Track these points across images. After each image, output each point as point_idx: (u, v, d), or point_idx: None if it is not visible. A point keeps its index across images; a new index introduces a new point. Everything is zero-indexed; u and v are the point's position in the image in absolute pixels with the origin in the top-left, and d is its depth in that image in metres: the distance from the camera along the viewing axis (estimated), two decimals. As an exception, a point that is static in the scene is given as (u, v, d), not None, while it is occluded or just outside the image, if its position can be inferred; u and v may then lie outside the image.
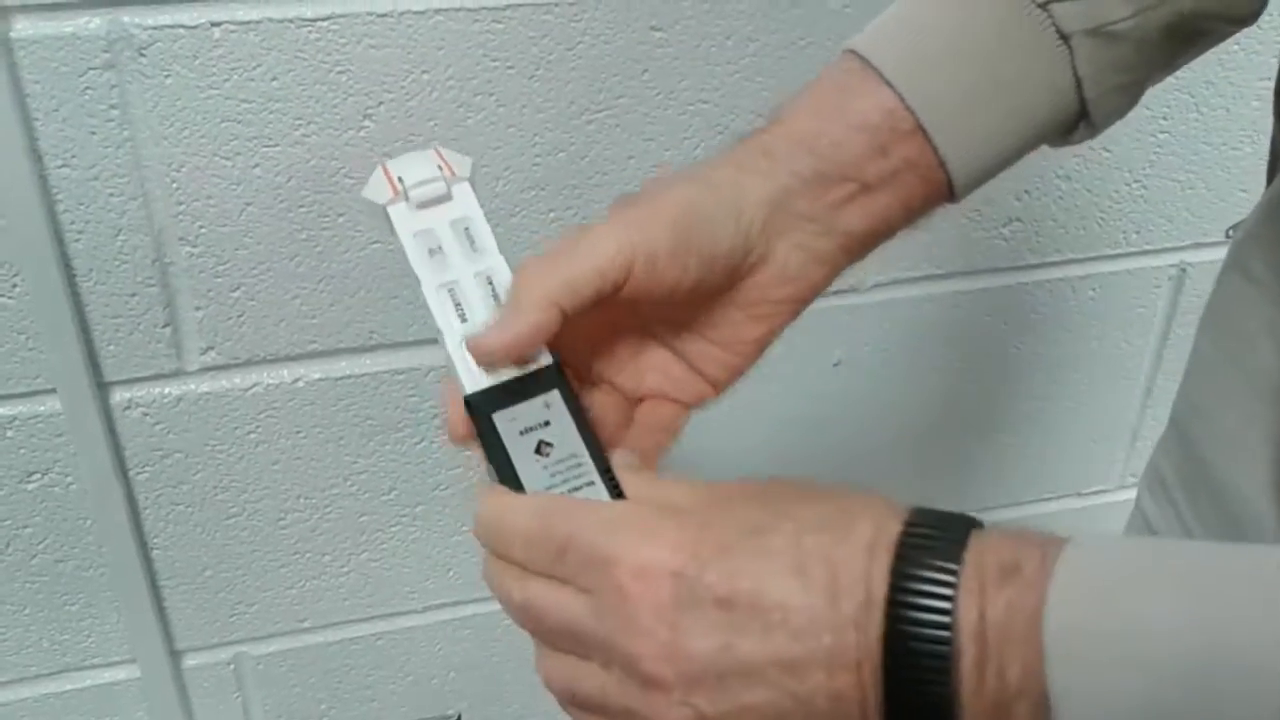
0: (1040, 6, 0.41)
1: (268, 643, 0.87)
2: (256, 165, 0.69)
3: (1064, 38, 0.42)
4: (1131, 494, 0.98)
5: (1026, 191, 0.84)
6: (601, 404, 0.45)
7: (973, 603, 0.32)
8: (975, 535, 0.33)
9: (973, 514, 0.35)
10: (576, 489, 0.41)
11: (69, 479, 0.76)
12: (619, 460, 0.42)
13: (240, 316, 0.73)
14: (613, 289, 0.39)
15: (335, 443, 0.80)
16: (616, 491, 0.41)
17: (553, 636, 0.38)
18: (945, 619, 0.32)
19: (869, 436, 0.92)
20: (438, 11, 0.67)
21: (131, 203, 0.68)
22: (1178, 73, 0.80)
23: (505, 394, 0.42)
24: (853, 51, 0.43)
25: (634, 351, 0.45)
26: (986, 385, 0.93)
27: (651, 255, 0.39)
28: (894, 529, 0.34)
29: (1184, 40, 0.45)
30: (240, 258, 0.71)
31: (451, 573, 0.87)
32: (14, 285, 0.69)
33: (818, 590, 0.33)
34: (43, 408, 0.73)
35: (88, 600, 0.81)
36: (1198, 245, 0.89)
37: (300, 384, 0.77)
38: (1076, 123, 0.44)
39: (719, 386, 0.46)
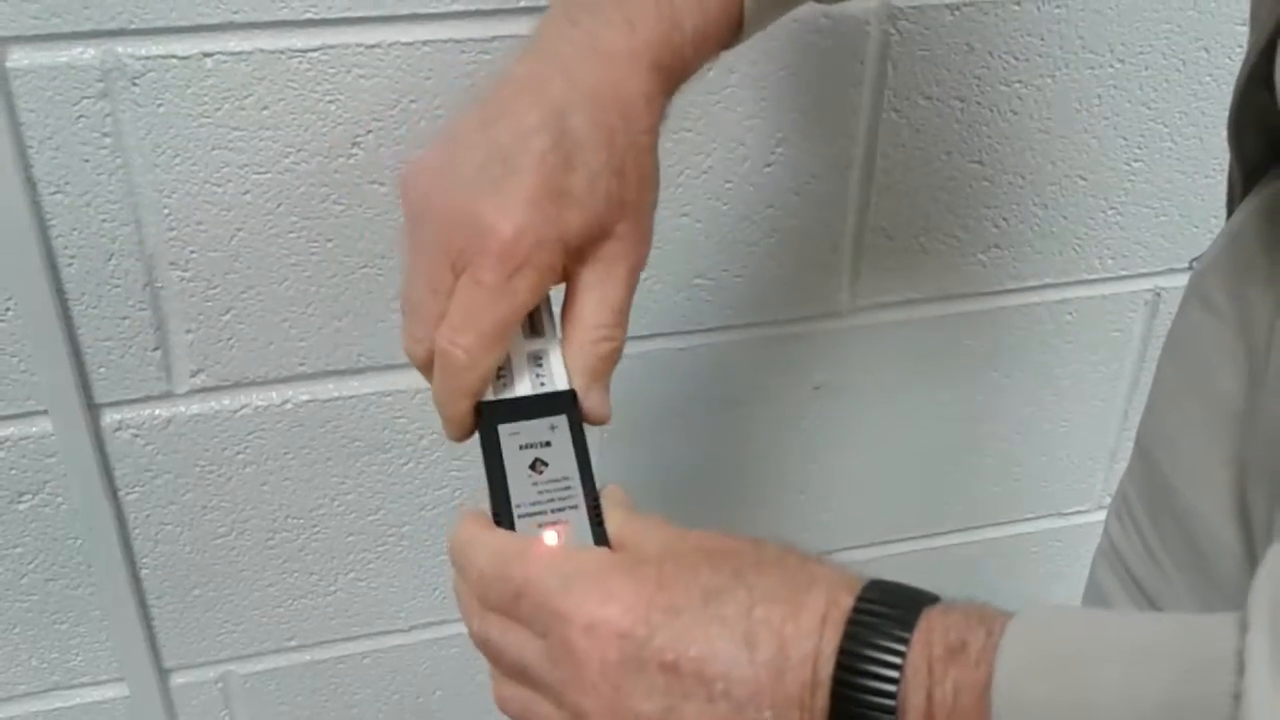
0: None
1: (255, 661, 0.87)
2: (247, 192, 0.70)
3: None
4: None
5: (1004, 219, 0.85)
6: None
7: (920, 683, 0.32)
8: (925, 613, 0.34)
9: (930, 591, 0.36)
10: (559, 509, 0.43)
11: (59, 499, 0.77)
12: (609, 495, 0.43)
13: (230, 339, 0.75)
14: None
15: (323, 464, 0.81)
16: (598, 521, 0.43)
17: (508, 669, 0.40)
18: (891, 702, 0.32)
19: (849, 460, 0.93)
20: (425, 43, 0.68)
21: (123, 228, 0.69)
22: (1151, 103, 0.83)
23: (517, 409, 0.44)
24: None
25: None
26: (966, 408, 0.95)
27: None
28: (845, 604, 0.35)
29: None
30: (230, 282, 0.73)
31: (438, 592, 0.88)
32: (6, 309, 0.70)
33: (764, 663, 0.34)
34: (34, 429, 0.74)
35: (77, 619, 0.82)
36: (1171, 270, 0.91)
37: (288, 406, 0.78)
38: None
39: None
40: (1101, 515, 1.02)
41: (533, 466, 0.44)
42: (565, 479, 0.43)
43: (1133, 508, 0.55)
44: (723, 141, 0.76)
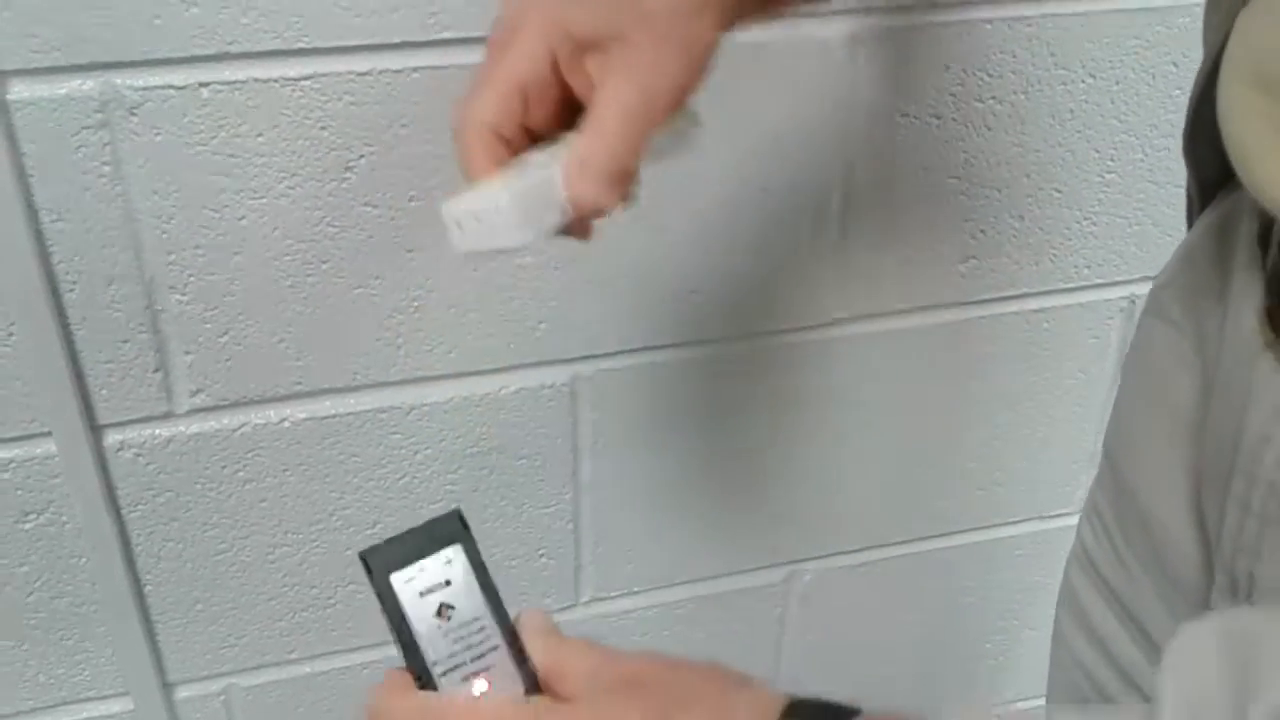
0: None
1: (257, 674, 0.89)
2: (243, 217, 0.72)
3: None
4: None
5: (982, 230, 0.88)
6: None
7: None
8: None
9: (852, 704, 0.36)
10: (480, 656, 0.40)
11: (64, 518, 0.79)
12: (528, 623, 0.41)
13: (228, 360, 0.76)
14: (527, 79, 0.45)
15: (321, 480, 0.83)
16: (521, 659, 0.40)
17: None
18: None
19: (832, 468, 0.95)
20: (415, 69, 0.71)
21: (123, 254, 0.71)
22: (1124, 115, 0.85)
23: (405, 550, 0.40)
24: None
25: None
26: (948, 415, 0.97)
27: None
28: None
29: None
30: (228, 304, 0.75)
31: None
32: (10, 334, 0.71)
33: None
34: (38, 450, 0.76)
35: (82, 635, 0.84)
36: (1145, 279, 0.93)
37: (286, 424, 0.80)
38: None
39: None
40: (1084, 518, 1.04)
41: (439, 613, 0.40)
42: (476, 619, 0.40)
43: (1102, 512, 0.57)
44: (705, 158, 0.79)
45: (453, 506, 0.42)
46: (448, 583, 0.41)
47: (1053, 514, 1.05)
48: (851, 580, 1.00)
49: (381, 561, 0.40)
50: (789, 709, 0.37)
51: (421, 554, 0.40)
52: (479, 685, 0.40)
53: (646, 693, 0.38)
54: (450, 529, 0.41)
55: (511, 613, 0.42)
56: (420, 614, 0.40)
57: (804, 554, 0.99)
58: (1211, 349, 0.47)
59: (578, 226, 0.47)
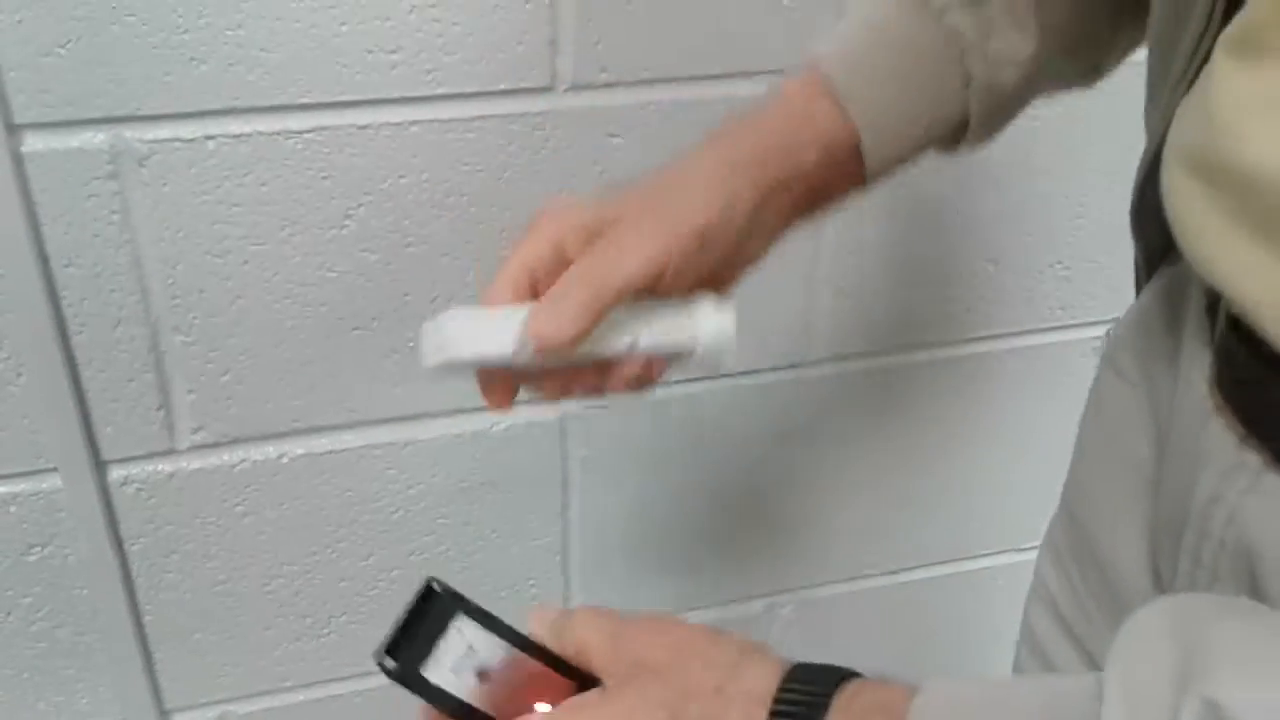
0: (958, 53, 0.52)
1: (252, 701, 0.91)
2: (246, 262, 0.75)
3: (965, 82, 0.53)
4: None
5: (959, 274, 0.91)
6: None
7: None
8: (832, 712, 0.38)
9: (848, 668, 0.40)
10: (527, 684, 0.42)
11: (67, 551, 0.81)
12: (539, 631, 0.44)
13: (229, 399, 0.79)
14: (636, 293, 0.47)
15: (317, 513, 0.85)
16: (556, 663, 0.43)
17: None
18: None
19: (814, 502, 0.98)
20: (413, 123, 0.74)
21: (130, 298, 0.74)
22: (1094, 160, 0.88)
23: (415, 641, 0.41)
24: (823, 75, 0.52)
25: None
26: (925, 451, 1.00)
27: (679, 266, 0.48)
28: (761, 716, 0.39)
29: (1034, 96, 0.57)
30: (230, 345, 0.77)
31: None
32: (19, 374, 0.74)
33: None
34: (44, 485, 0.78)
35: (83, 664, 0.86)
36: (1117, 320, 0.96)
37: (284, 460, 0.82)
38: (949, 144, 0.56)
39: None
40: (1058, 550, 1.07)
41: (479, 679, 0.42)
42: (508, 662, 0.42)
43: (1060, 552, 0.60)
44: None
45: (425, 579, 0.42)
46: (470, 648, 0.42)
47: (1027, 546, 1.08)
48: (831, 611, 1.03)
49: (403, 662, 0.41)
50: (791, 672, 0.40)
51: (432, 638, 0.41)
52: (541, 708, 0.42)
53: (661, 678, 0.41)
54: (443, 604, 0.42)
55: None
56: (462, 686, 0.41)
57: (784, 586, 1.02)
58: (1165, 410, 0.49)
59: (549, 386, 0.50)
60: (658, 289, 0.47)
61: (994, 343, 0.96)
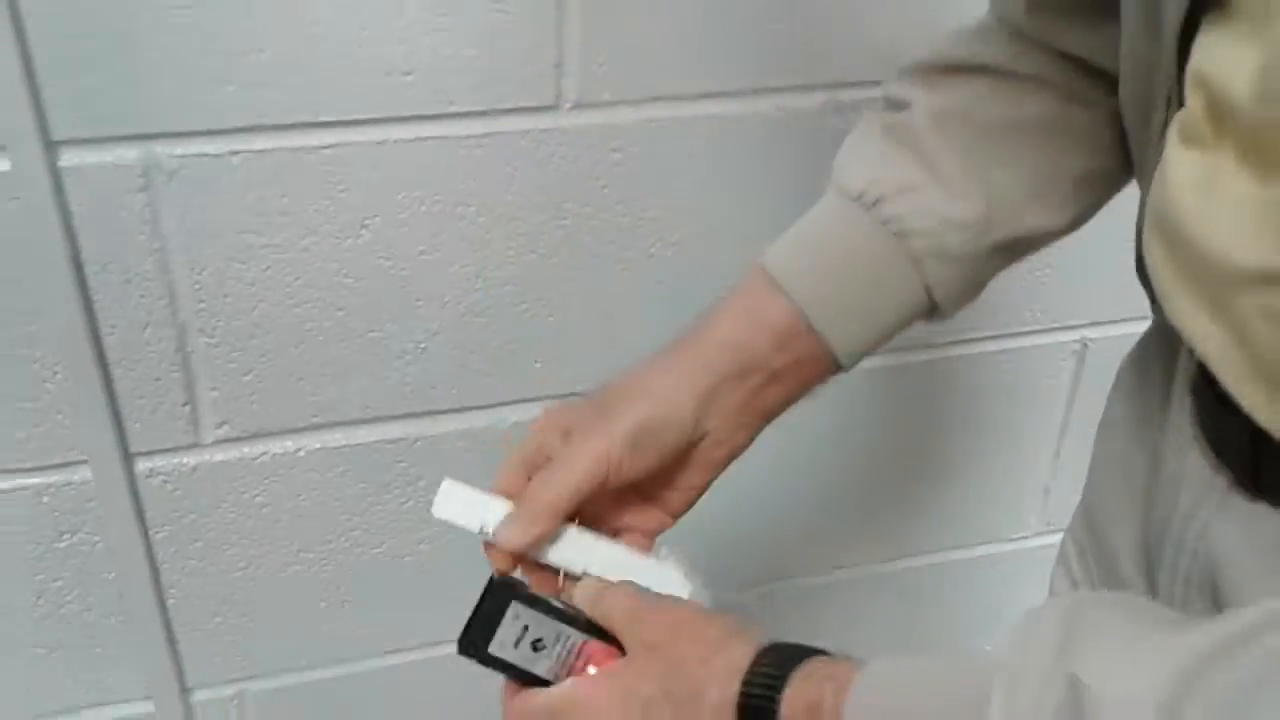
0: (895, 236, 0.54)
1: (269, 679, 0.96)
2: (268, 268, 0.79)
3: (915, 260, 0.55)
4: (1046, 540, 1.10)
5: (943, 280, 0.95)
6: None
7: None
8: (791, 683, 0.44)
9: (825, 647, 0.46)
10: (576, 653, 0.52)
11: (96, 538, 0.86)
12: (581, 601, 0.53)
13: (251, 396, 0.84)
14: (593, 493, 0.53)
15: (332, 503, 0.90)
16: (600, 632, 0.52)
17: None
18: None
19: (807, 495, 1.03)
20: (425, 139, 0.78)
21: (159, 302, 0.78)
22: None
23: (483, 626, 0.52)
24: (762, 267, 0.56)
25: (616, 504, 0.57)
26: (914, 448, 1.04)
27: (618, 465, 0.53)
28: (734, 690, 0.45)
29: (1011, 253, 0.58)
30: (252, 346, 0.82)
31: (433, 617, 0.97)
32: (55, 373, 0.79)
33: None
34: (75, 476, 0.83)
35: (109, 644, 0.90)
36: (1096, 323, 1.01)
37: (302, 453, 0.87)
38: (931, 313, 0.58)
39: (677, 515, 0.59)
40: (1039, 541, 1.12)
41: (535, 649, 0.52)
42: (558, 635, 0.52)
43: (1080, 540, 0.65)
44: (686, 221, 0.86)
45: (489, 576, 0.53)
46: (526, 628, 0.52)
47: (1012, 537, 1.13)
48: (822, 602, 1.08)
49: (475, 645, 0.52)
50: (766, 649, 0.46)
51: (494, 623, 0.52)
52: (590, 670, 0.51)
53: (658, 654, 0.49)
54: (500, 597, 0.52)
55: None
56: (523, 658, 0.52)
57: (772, 576, 1.07)
58: (1158, 431, 0.54)
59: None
60: (608, 486, 0.53)
61: (979, 345, 1.00)
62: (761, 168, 0.86)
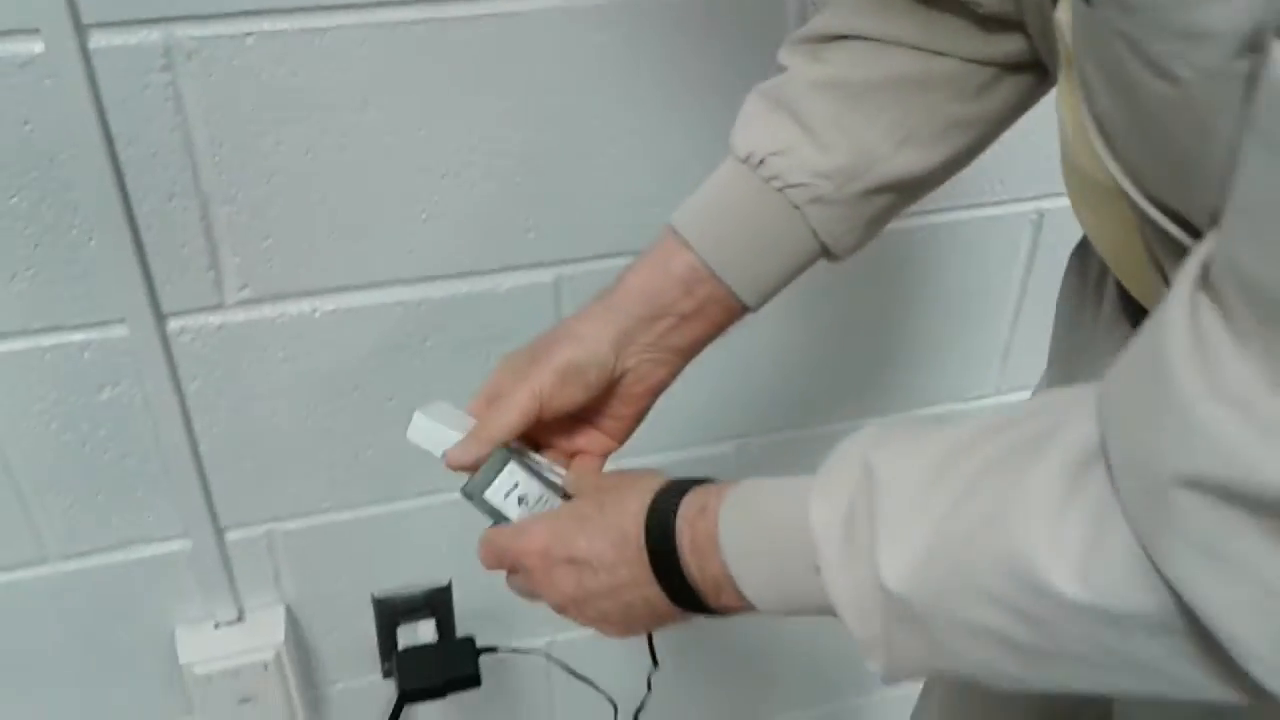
0: (779, 191, 0.66)
1: (294, 521, 1.06)
2: (281, 142, 0.86)
3: (797, 208, 0.65)
4: (1004, 399, 1.19)
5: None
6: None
7: (685, 530, 0.58)
8: (687, 495, 0.59)
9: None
10: (548, 504, 0.68)
11: (134, 391, 0.95)
12: (574, 467, 0.71)
13: (269, 261, 0.92)
14: (531, 422, 0.67)
15: (347, 359, 0.98)
16: (567, 497, 0.68)
17: (521, 590, 0.68)
18: (672, 544, 0.58)
19: (774, 365, 1.12)
20: (413, 22, 0.84)
21: (183, 174, 0.86)
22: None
23: (484, 478, 0.67)
24: (670, 226, 0.68)
25: (568, 430, 0.72)
26: (878, 314, 1.13)
27: (549, 399, 0.66)
28: (647, 501, 0.60)
29: (896, 193, 0.68)
30: (269, 214, 0.89)
31: (440, 465, 1.06)
32: (90, 239, 0.87)
33: (615, 545, 0.60)
34: (113, 334, 0.91)
35: (149, 488, 1.00)
36: (1051, 195, 1.08)
37: (318, 314, 0.95)
38: (826, 253, 0.69)
39: (621, 440, 0.73)
40: (996, 400, 1.21)
41: (519, 502, 0.67)
42: (540, 493, 0.68)
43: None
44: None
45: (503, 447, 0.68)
46: (516, 484, 0.67)
47: (971, 397, 1.22)
48: (793, 453, 1.18)
49: (474, 490, 0.68)
50: (658, 494, 0.60)
51: (492, 475, 0.67)
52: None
53: (594, 500, 0.64)
54: (501, 455, 0.67)
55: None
56: (509, 507, 0.68)
57: (751, 430, 1.16)
58: (1094, 309, 0.66)
59: None
60: (543, 417, 0.67)
61: (937, 216, 1.07)
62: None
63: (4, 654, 1.05)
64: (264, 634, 1.09)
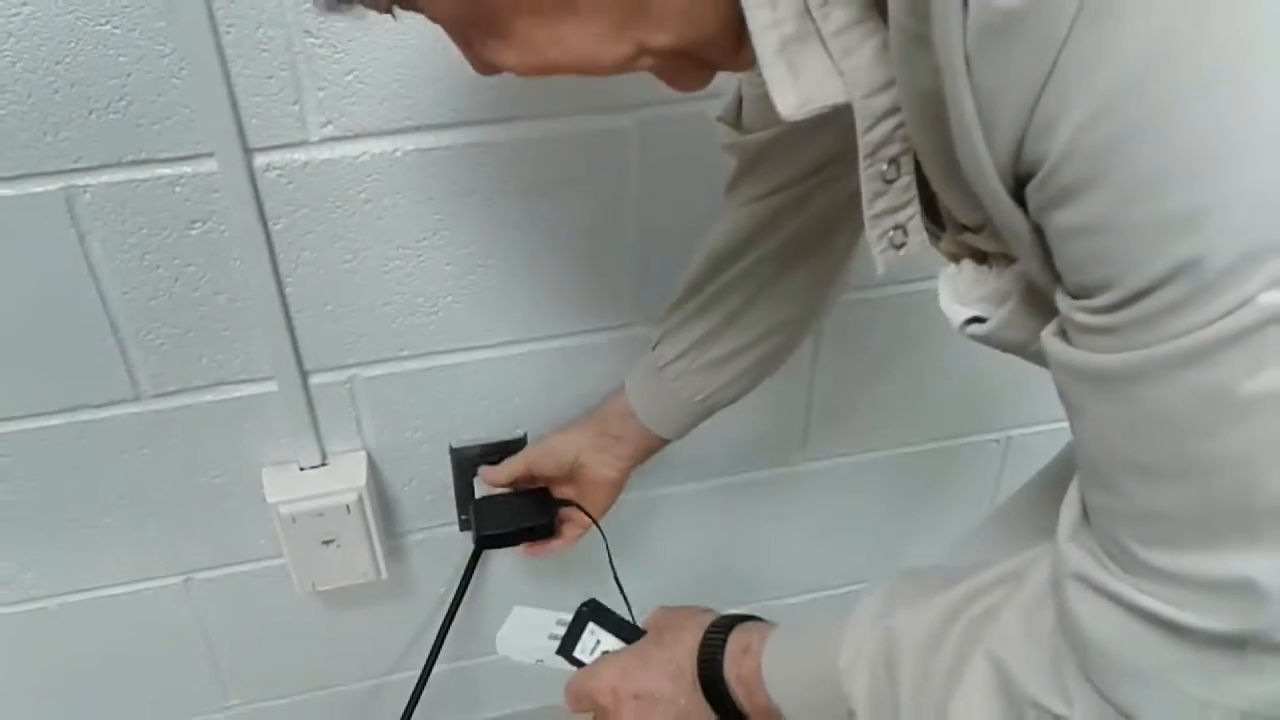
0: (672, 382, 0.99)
1: (374, 367, 1.09)
2: (364, -28, 0.87)
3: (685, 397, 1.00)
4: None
5: None
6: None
7: (732, 668, 0.76)
8: (733, 632, 0.78)
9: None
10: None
11: (223, 227, 0.97)
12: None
13: (352, 97, 0.93)
14: (525, 476, 1.08)
15: (426, 203, 1.00)
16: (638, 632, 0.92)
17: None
18: (720, 674, 0.76)
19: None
20: None
21: (269, 1, 0.87)
22: None
23: (572, 637, 0.93)
24: (623, 384, 1.03)
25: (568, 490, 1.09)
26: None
27: (534, 465, 1.08)
28: (696, 640, 0.79)
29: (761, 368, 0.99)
30: (352, 48, 0.90)
31: (518, 312, 1.08)
32: (181, 68, 0.88)
33: (673, 679, 0.80)
34: (203, 168, 0.94)
35: (237, 326, 1.03)
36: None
37: (398, 153, 0.97)
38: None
39: (599, 513, 1.08)
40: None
41: (593, 650, 0.92)
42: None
43: None
44: None
45: (583, 601, 0.96)
46: (598, 642, 0.92)
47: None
48: (827, 479, 1.16)
49: (562, 653, 0.95)
50: (707, 634, 0.79)
51: (578, 634, 0.94)
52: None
53: (647, 641, 0.87)
54: (583, 614, 0.96)
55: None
56: (583, 656, 0.93)
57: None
58: None
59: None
60: (535, 478, 1.09)
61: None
62: None
63: (98, 490, 1.10)
64: (346, 478, 1.12)
